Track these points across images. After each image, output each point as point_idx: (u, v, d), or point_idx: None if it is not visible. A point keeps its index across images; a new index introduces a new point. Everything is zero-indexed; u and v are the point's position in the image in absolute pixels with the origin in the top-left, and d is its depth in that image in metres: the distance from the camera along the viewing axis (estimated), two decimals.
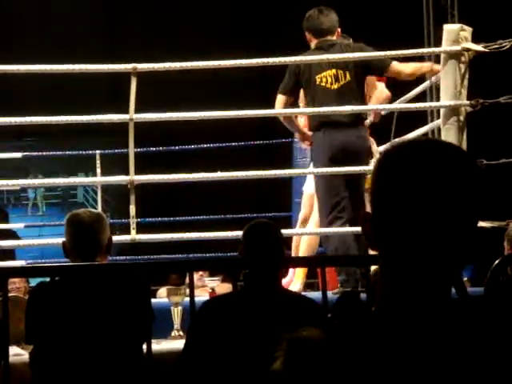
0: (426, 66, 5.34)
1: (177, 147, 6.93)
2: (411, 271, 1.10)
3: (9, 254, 6.85)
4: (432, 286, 1.09)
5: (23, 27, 8.73)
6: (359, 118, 5.14)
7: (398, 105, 5.56)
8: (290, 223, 6.63)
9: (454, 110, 5.07)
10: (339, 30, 5.24)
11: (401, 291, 1.10)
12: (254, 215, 6.16)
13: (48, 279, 3.15)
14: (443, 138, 5.19)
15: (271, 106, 5.18)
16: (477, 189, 1.12)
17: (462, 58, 5.05)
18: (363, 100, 5.18)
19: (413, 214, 1.10)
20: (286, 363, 1.07)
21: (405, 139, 1.20)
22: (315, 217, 5.25)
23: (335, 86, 5.11)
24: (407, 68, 5.17)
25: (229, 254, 6.01)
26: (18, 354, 3.52)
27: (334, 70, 5.10)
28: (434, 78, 5.50)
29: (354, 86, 5.11)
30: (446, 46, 5.13)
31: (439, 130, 5.37)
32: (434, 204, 1.09)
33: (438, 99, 5.43)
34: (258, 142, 6.87)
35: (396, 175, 1.12)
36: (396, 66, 5.13)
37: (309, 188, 5.49)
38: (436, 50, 5.89)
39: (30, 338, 3.05)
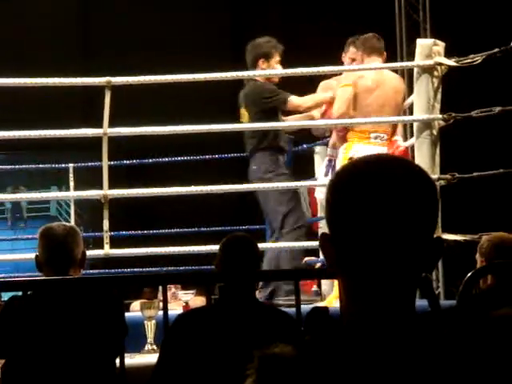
0: (326, 97, 5.54)
1: (150, 160, 6.92)
2: (373, 286, 1.10)
3: None
4: (395, 300, 1.10)
5: None
6: (258, 147, 5.37)
7: (370, 119, 5.59)
8: (264, 236, 6.63)
9: (427, 124, 5.11)
10: (262, 62, 5.46)
11: (365, 307, 1.10)
12: (228, 228, 6.16)
13: (20, 293, 3.13)
14: (416, 151, 5.23)
15: None
16: (429, 201, 1.12)
17: (435, 73, 5.10)
18: (264, 135, 5.39)
19: (367, 231, 1.09)
20: (258, 381, 1.07)
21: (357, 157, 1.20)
22: None
23: (244, 121, 5.52)
24: (306, 101, 5.45)
25: (202, 267, 6.00)
26: None
27: (241, 109, 5.53)
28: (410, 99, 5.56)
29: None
30: (419, 61, 5.18)
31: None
32: (387, 219, 1.09)
33: (411, 114, 5.47)
34: (227, 156, 6.87)
35: (348, 192, 1.12)
36: (295, 100, 5.39)
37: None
38: (409, 64, 5.94)
39: (2, 352, 3.03)
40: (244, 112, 5.49)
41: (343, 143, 5.47)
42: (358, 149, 5.28)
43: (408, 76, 5.76)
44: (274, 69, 5.47)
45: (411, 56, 5.78)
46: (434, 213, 1.13)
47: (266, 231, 6.77)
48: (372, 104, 5.33)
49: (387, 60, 5.55)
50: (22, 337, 2.95)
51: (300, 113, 5.65)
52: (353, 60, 5.54)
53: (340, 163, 5.33)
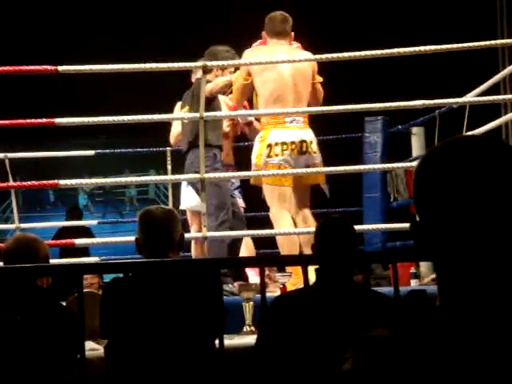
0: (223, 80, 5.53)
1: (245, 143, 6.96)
2: (470, 272, 1.07)
3: (83, 251, 6.97)
4: (493, 285, 1.07)
5: (98, 27, 8.85)
6: (195, 143, 5.34)
7: (470, 98, 5.49)
8: (360, 218, 6.60)
9: None
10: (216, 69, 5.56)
11: (462, 293, 1.08)
12: (324, 210, 6.15)
13: (121, 275, 3.19)
14: None
15: None
16: None
17: None
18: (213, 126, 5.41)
19: (462, 216, 1.05)
20: (356, 364, 1.07)
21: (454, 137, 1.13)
22: None
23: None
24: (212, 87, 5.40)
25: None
26: (94, 348, 3.58)
27: (186, 108, 5.57)
28: (506, 70, 5.42)
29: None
30: None
31: None
32: (485, 203, 1.05)
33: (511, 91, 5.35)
34: (328, 137, 6.85)
35: (440, 174, 1.07)
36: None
37: (188, 203, 5.65)
38: (509, 40, 5.81)
39: (105, 333, 3.10)
40: (189, 111, 5.51)
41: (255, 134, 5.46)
42: (275, 134, 5.19)
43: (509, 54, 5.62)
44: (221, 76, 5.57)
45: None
46: None
47: (362, 213, 6.75)
48: (273, 90, 5.21)
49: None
50: (123, 318, 3.01)
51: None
52: (265, 42, 5.43)
53: (257, 152, 5.25)
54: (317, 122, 5.49)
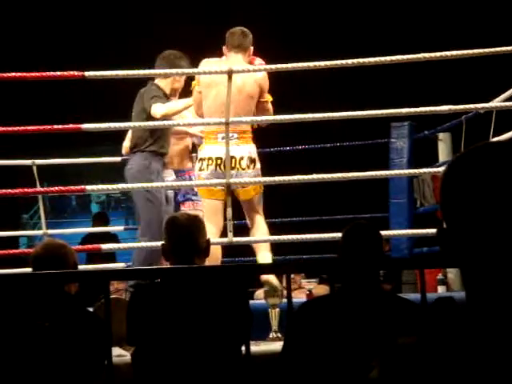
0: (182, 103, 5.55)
1: (271, 149, 6.96)
2: (498, 279, 1.05)
3: (109, 256, 6.99)
4: None
5: (123, 32, 8.89)
6: (138, 148, 5.48)
7: (496, 103, 5.45)
8: (387, 224, 6.58)
9: None
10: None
11: (489, 300, 1.07)
12: (351, 216, 6.14)
13: (147, 281, 3.20)
14: None
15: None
16: None
17: None
18: (145, 138, 5.49)
19: (490, 222, 1.04)
20: (382, 372, 1.07)
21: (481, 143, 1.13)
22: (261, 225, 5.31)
23: None
24: (165, 111, 5.41)
25: (325, 256, 6.00)
26: (121, 354, 3.59)
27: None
28: None
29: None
30: None
31: None
32: None
33: None
34: (354, 143, 6.85)
35: (467, 180, 1.06)
36: (153, 110, 5.40)
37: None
38: None
39: (132, 339, 3.11)
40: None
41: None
42: (206, 149, 5.24)
43: None
44: (178, 83, 5.63)
45: None
46: None
47: (388, 219, 6.73)
48: (212, 104, 5.21)
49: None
50: (150, 324, 3.01)
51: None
52: (225, 55, 5.43)
53: (197, 164, 5.31)
54: (341, 129, 5.49)
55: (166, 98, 5.57)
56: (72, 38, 8.99)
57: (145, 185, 5.46)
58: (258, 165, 5.26)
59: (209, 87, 5.27)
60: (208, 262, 5.31)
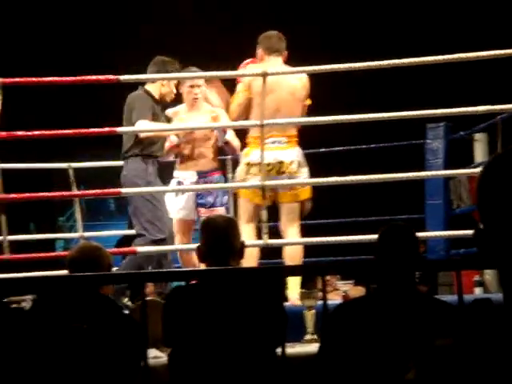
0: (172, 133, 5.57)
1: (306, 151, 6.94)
2: None
3: None
4: None
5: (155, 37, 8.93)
6: (131, 152, 5.44)
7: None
8: (423, 225, 6.54)
9: None
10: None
11: None
12: (387, 218, 6.11)
13: (183, 283, 3.21)
14: None
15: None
16: None
17: None
18: (137, 142, 5.43)
19: None
20: (419, 374, 1.06)
21: None
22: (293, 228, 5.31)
23: None
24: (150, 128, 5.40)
25: (361, 257, 5.97)
26: (157, 356, 3.60)
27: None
28: None
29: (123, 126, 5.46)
30: None
31: None
32: None
33: None
34: (389, 144, 6.82)
35: (504, 180, 1.05)
36: (141, 124, 5.37)
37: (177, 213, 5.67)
38: None
39: (168, 341, 3.12)
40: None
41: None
42: (255, 154, 5.21)
43: None
44: (164, 88, 5.57)
45: None
46: None
47: (424, 220, 6.69)
48: (267, 108, 5.13)
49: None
50: (186, 326, 3.02)
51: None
52: (261, 60, 5.41)
53: (240, 166, 5.32)
54: (377, 130, 5.47)
55: (156, 102, 5.58)
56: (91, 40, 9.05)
57: (176, 188, 5.48)
58: (306, 169, 5.28)
59: (260, 95, 5.22)
60: (246, 264, 5.35)
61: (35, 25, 9.18)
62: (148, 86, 5.60)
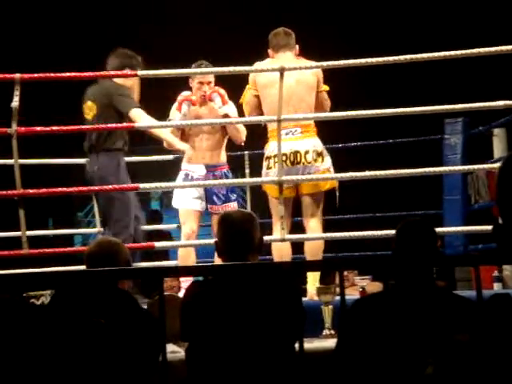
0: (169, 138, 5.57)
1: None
2: None
3: (163, 254, 7.04)
4: None
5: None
6: (100, 146, 5.38)
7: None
8: (441, 221, 6.52)
9: None
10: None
11: None
12: (404, 213, 6.10)
13: (201, 278, 3.21)
14: None
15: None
16: None
17: None
18: (109, 135, 5.38)
19: None
20: (438, 369, 1.06)
21: None
22: None
23: (89, 117, 5.47)
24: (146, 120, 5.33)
25: (378, 253, 5.97)
26: (175, 351, 3.61)
27: (89, 103, 5.48)
28: None
29: (101, 119, 5.34)
30: None
31: None
32: None
33: None
34: (407, 140, 6.80)
35: None
36: (135, 114, 5.32)
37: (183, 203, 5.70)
38: None
39: (185, 336, 3.12)
40: (92, 105, 5.47)
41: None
42: (272, 146, 5.22)
43: None
44: (130, 80, 5.50)
45: None
46: None
47: (442, 216, 6.67)
48: (274, 102, 5.11)
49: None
50: (203, 321, 3.02)
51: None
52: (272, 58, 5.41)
53: (264, 163, 5.30)
54: (394, 125, 5.45)
55: None
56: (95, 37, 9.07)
57: (195, 183, 5.48)
58: (328, 158, 5.27)
59: (266, 88, 5.30)
60: (278, 259, 5.36)
61: (44, 23, 9.21)
62: (115, 79, 5.52)
